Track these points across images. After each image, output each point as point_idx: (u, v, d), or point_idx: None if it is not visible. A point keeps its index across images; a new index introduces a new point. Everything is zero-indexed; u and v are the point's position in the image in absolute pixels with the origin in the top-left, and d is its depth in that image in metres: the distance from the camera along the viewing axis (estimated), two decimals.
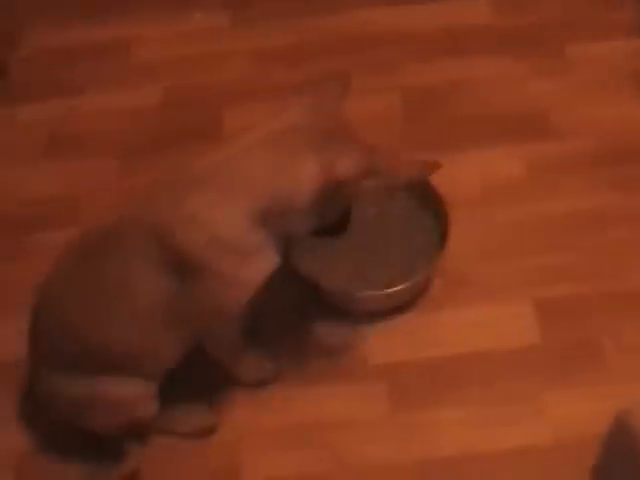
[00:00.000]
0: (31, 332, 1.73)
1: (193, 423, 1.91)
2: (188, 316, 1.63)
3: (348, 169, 1.50)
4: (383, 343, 2.03)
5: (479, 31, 2.69)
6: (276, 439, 1.91)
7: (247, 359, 1.94)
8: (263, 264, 1.61)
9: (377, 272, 2.08)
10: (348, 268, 2.10)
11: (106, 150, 2.49)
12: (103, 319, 1.63)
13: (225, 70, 2.66)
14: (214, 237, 1.53)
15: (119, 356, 1.67)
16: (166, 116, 2.55)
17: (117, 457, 1.87)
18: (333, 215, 1.64)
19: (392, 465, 1.85)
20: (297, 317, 2.09)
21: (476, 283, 2.11)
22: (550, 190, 2.29)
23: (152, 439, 1.91)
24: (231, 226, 1.53)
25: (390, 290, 1.97)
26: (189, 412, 1.92)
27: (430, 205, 2.16)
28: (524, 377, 1.95)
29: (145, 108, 2.59)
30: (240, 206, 1.52)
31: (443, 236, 2.06)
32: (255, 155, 1.54)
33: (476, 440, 1.87)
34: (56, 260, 1.68)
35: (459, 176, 2.32)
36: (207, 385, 1.97)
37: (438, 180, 2.13)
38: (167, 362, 1.76)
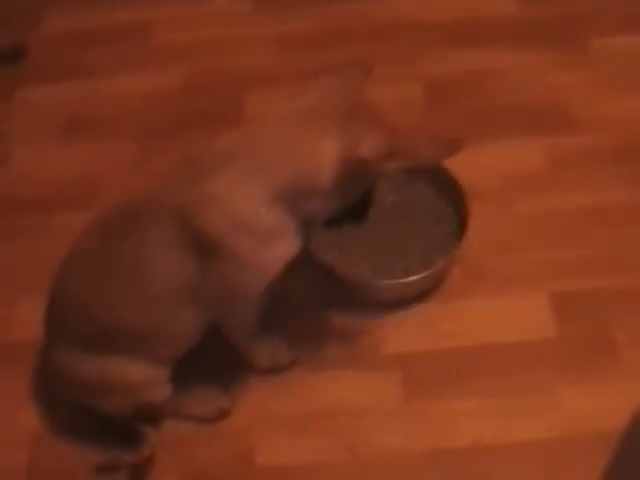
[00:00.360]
0: (48, 311, 1.74)
1: (207, 407, 1.92)
2: (205, 298, 1.63)
3: (371, 149, 1.49)
4: (399, 332, 2.03)
5: (503, 22, 2.68)
6: (290, 426, 1.91)
7: (262, 345, 1.94)
8: (283, 249, 1.61)
9: (395, 261, 2.08)
10: (366, 256, 2.10)
11: (125, 133, 2.49)
12: (119, 300, 1.63)
13: (246, 55, 2.65)
14: (234, 218, 1.52)
15: (133, 338, 1.67)
16: (186, 100, 2.55)
17: (131, 440, 1.87)
18: (355, 198, 1.62)
19: (404, 454, 1.85)
20: (314, 304, 2.09)
21: (493, 274, 2.11)
22: (569, 183, 2.28)
23: (166, 423, 1.92)
24: (252, 207, 1.53)
25: (407, 279, 1.97)
26: (203, 396, 1.93)
27: (449, 195, 2.15)
28: (538, 370, 1.95)
29: (165, 91, 2.59)
30: (261, 186, 1.52)
31: (462, 227, 2.06)
32: (276, 135, 1.53)
33: (488, 432, 1.87)
34: (74, 240, 1.69)
35: (479, 167, 2.30)
36: (222, 370, 1.98)
37: (458, 170, 2.14)
38: (182, 346, 1.76)
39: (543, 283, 2.09)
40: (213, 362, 1.97)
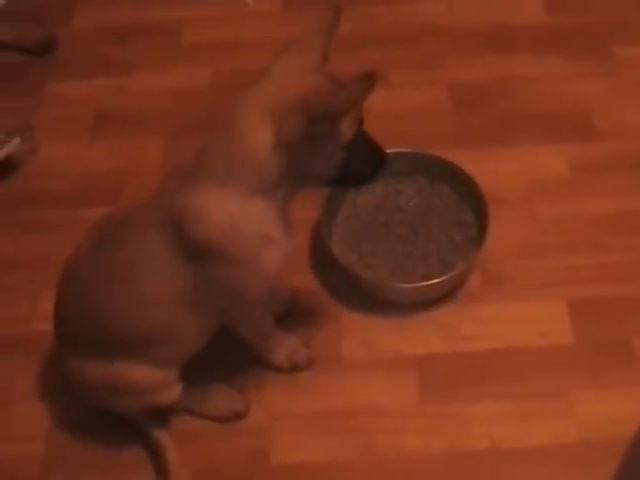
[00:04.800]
0: (54, 317, 1.75)
1: (222, 408, 1.93)
2: (209, 303, 1.64)
3: (287, 107, 1.44)
4: (417, 334, 2.04)
5: (530, 29, 2.69)
6: (306, 425, 1.93)
7: (280, 345, 1.96)
8: (277, 243, 1.60)
9: (415, 264, 2.10)
10: (385, 259, 2.12)
11: (153, 130, 2.52)
12: (117, 307, 1.63)
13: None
14: (223, 223, 1.52)
15: (137, 343, 1.67)
16: (214, 99, 2.57)
17: (145, 434, 1.91)
18: (331, 157, 1.54)
19: (419, 456, 1.87)
20: (333, 304, 2.11)
21: (513, 280, 2.12)
22: (591, 190, 2.29)
23: (181, 417, 1.95)
24: (235, 208, 1.52)
25: (426, 283, 1.98)
26: (219, 397, 1.94)
27: (471, 200, 2.17)
28: (554, 375, 1.96)
29: (193, 90, 2.62)
30: (234, 186, 1.50)
31: (482, 232, 2.07)
32: (223, 131, 1.51)
33: (503, 436, 1.88)
34: (79, 241, 1.70)
35: (502, 172, 2.32)
36: (239, 369, 2.00)
37: (481, 175, 2.15)
38: (188, 349, 1.76)
39: (562, 289, 2.10)
40: (230, 361, 2.00)
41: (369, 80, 1.42)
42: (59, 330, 1.77)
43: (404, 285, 2.03)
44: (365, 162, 1.62)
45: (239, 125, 1.47)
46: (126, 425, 1.91)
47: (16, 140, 2.39)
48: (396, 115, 2.49)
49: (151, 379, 1.75)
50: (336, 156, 1.53)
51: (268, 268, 1.62)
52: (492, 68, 2.59)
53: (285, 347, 1.98)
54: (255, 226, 1.55)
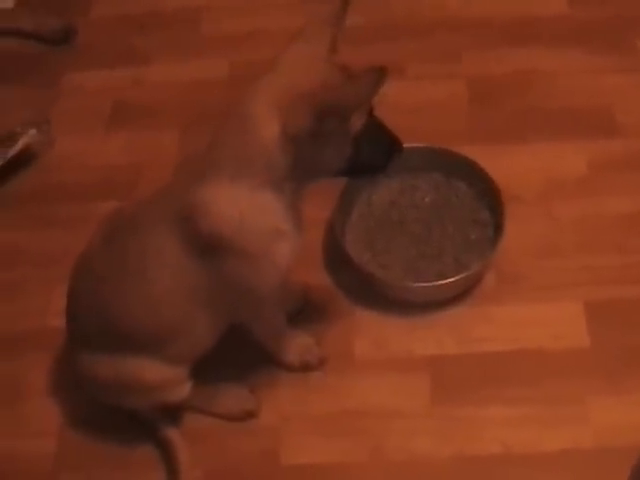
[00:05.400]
0: (66, 313, 1.75)
1: (233, 407, 1.93)
2: (220, 302, 1.63)
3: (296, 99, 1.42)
4: (429, 334, 2.02)
5: (552, 22, 2.64)
6: (317, 425, 1.92)
7: (292, 343, 1.95)
8: (288, 237, 1.59)
9: (429, 263, 2.08)
10: (399, 258, 2.10)
11: (170, 122, 2.51)
12: (127, 302, 1.62)
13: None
14: (233, 218, 1.50)
15: (146, 339, 1.66)
16: (231, 91, 2.54)
17: (156, 433, 1.91)
18: (341, 150, 1.52)
19: (430, 460, 1.85)
20: (346, 303, 2.10)
21: (529, 280, 2.09)
22: (612, 189, 2.25)
23: (192, 416, 1.94)
24: (245, 202, 1.50)
25: (440, 282, 1.96)
26: (230, 396, 1.94)
27: (487, 198, 2.14)
28: (570, 379, 1.93)
29: (211, 81, 2.60)
30: (245, 179, 1.48)
31: (498, 231, 2.05)
32: (227, 128, 1.50)
33: (515, 440, 1.86)
34: (91, 236, 1.69)
35: (519, 170, 2.29)
36: (250, 367, 1.99)
37: (498, 172, 2.12)
38: (198, 347, 1.75)
39: (579, 290, 2.07)
40: (242, 360, 1.99)
41: (380, 75, 1.39)
42: (70, 325, 1.77)
43: (418, 284, 2.01)
44: (377, 151, 1.59)
45: (248, 118, 1.46)
46: (137, 423, 1.91)
47: (32, 132, 2.38)
48: (412, 109, 2.46)
49: (161, 377, 1.75)
50: (345, 149, 1.51)
51: (279, 263, 1.61)
52: (511, 61, 2.55)
53: (296, 346, 1.97)
54: (265, 220, 1.54)
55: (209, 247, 1.53)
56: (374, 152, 1.57)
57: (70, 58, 2.71)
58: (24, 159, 2.43)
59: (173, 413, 1.92)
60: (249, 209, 1.51)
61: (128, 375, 1.72)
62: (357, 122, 1.49)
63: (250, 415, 1.93)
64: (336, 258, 2.13)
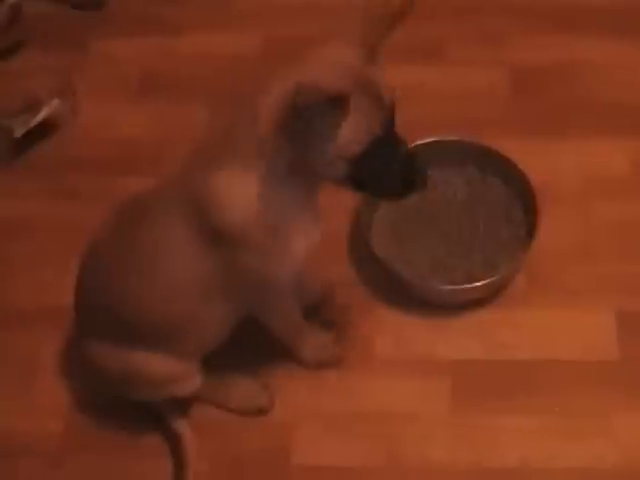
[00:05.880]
0: (75, 300, 1.71)
1: (245, 402, 1.88)
2: (234, 293, 1.58)
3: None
4: (453, 337, 1.95)
5: (602, 10, 2.52)
6: (330, 425, 1.86)
7: (309, 339, 1.89)
8: (299, 235, 1.52)
9: (457, 262, 2.00)
10: (426, 254, 2.02)
11: (196, 96, 2.43)
12: (137, 291, 1.57)
13: (329, 24, 2.55)
14: (245, 208, 1.44)
15: (157, 331, 1.62)
16: (263, 67, 2.47)
17: (165, 423, 1.86)
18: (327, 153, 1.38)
19: (445, 469, 1.79)
20: (369, 299, 2.02)
21: (560, 284, 2.01)
22: None
23: (203, 408, 1.89)
24: (256, 192, 1.43)
25: (468, 286, 1.89)
26: (242, 389, 1.89)
27: (522, 196, 2.05)
28: (596, 393, 1.86)
29: (243, 56, 2.52)
30: (253, 169, 1.42)
31: (531, 232, 1.96)
32: (240, 115, 1.43)
33: (535, 454, 1.79)
34: (103, 222, 1.64)
35: (557, 166, 2.20)
36: (265, 362, 1.94)
37: (535, 168, 2.04)
38: (209, 340, 1.71)
39: (612, 298, 1.98)
40: (257, 354, 1.94)
41: (297, 95, 1.25)
42: (79, 313, 1.73)
43: (444, 287, 1.92)
44: (390, 181, 1.45)
45: (254, 109, 1.39)
46: (146, 411, 1.87)
47: (56, 102, 2.32)
48: (450, 96, 2.37)
49: (171, 370, 1.70)
50: (337, 165, 1.38)
51: (290, 256, 1.54)
52: (557, 50, 2.44)
53: (313, 343, 1.90)
54: (277, 212, 1.47)
55: (220, 238, 1.47)
56: (384, 180, 1.45)
57: (100, 25, 2.64)
58: (46, 129, 2.36)
59: (183, 404, 1.87)
60: (260, 200, 1.44)
61: (136, 367, 1.67)
62: (352, 144, 1.34)
63: (262, 411, 1.88)
64: (361, 250, 2.06)
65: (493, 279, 1.89)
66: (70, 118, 2.39)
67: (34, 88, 2.37)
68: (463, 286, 1.90)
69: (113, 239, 1.59)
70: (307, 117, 1.29)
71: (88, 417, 1.92)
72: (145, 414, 1.87)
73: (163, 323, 1.61)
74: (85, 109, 2.42)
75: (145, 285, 1.57)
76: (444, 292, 1.92)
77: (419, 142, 2.08)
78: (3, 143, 2.29)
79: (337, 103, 1.29)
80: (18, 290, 2.12)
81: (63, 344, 2.01)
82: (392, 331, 1.97)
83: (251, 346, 1.91)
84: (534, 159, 2.10)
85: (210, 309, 1.61)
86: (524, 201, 2.04)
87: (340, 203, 2.05)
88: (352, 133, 1.34)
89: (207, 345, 1.73)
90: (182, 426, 1.84)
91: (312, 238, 1.57)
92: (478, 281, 1.90)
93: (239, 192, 1.43)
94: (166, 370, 1.69)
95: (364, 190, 1.46)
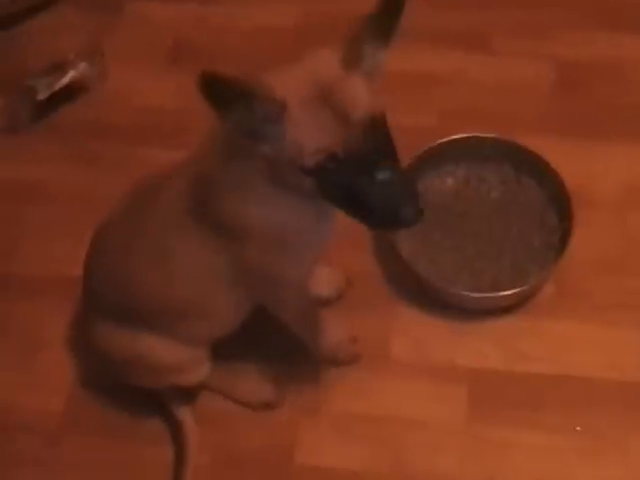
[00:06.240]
0: (84, 278, 1.66)
1: (252, 395, 1.83)
2: (239, 281, 1.51)
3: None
4: (475, 343, 1.87)
5: None
6: (337, 426, 1.79)
7: (325, 334, 1.82)
8: (305, 234, 1.45)
9: (485, 265, 1.92)
10: (455, 254, 1.94)
11: (227, 69, 2.33)
12: (143, 274, 1.53)
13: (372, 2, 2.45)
14: (250, 203, 1.38)
15: (161, 314, 1.57)
16: (299, 41, 2.36)
17: (168, 410, 1.81)
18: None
19: None
20: (389, 296, 1.95)
21: (590, 297, 1.91)
22: None
23: (209, 398, 1.84)
24: (261, 187, 1.36)
25: (494, 295, 1.82)
26: (251, 383, 1.84)
27: (557, 200, 1.96)
28: (616, 414, 1.77)
29: (278, 29, 2.43)
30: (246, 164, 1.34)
31: (564, 240, 1.87)
32: None
33: (548, 473, 1.72)
34: (116, 201, 1.59)
35: (596, 171, 2.09)
36: (277, 355, 1.87)
37: (573, 171, 1.95)
38: (218, 328, 1.65)
39: None
40: (269, 347, 1.87)
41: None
42: (86, 292, 1.68)
43: (470, 294, 1.84)
44: (371, 208, 1.27)
45: None
46: (150, 396, 1.80)
47: (83, 65, 2.25)
48: (492, 88, 2.27)
49: (177, 356, 1.65)
50: (301, 178, 1.27)
51: (296, 254, 1.48)
52: (606, 48, 2.32)
53: (330, 338, 1.83)
54: (280, 210, 1.39)
55: (223, 230, 1.42)
56: (363, 206, 1.28)
57: None
58: (72, 92, 2.29)
59: (188, 393, 1.81)
60: (265, 196, 1.37)
61: (141, 351, 1.62)
62: (309, 156, 1.22)
63: (268, 406, 1.82)
64: (385, 245, 1.97)
65: (521, 289, 1.81)
66: (96, 83, 2.31)
67: (63, 48, 2.31)
68: (489, 294, 1.82)
69: (124, 220, 1.55)
70: (243, 120, 1.20)
71: (90, 398, 1.87)
72: (149, 400, 1.81)
73: (169, 308, 1.56)
74: (113, 74, 2.34)
75: (152, 269, 1.52)
76: (468, 298, 1.84)
77: (455, 137, 2.00)
78: (25, 105, 2.23)
79: (272, 110, 1.19)
80: (27, 258, 2.07)
81: (70, 319, 1.96)
82: (411, 332, 1.89)
83: (264, 338, 1.84)
84: (571, 160, 2.00)
85: (219, 298, 1.56)
86: (559, 206, 1.95)
87: None
88: (296, 145, 1.22)
89: (215, 333, 1.67)
90: (185, 415, 1.79)
91: (322, 236, 1.49)
92: (504, 287, 1.83)
93: (240, 186, 1.37)
94: (171, 356, 1.64)
95: (348, 213, 1.33)
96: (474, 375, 1.83)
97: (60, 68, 2.23)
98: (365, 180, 1.24)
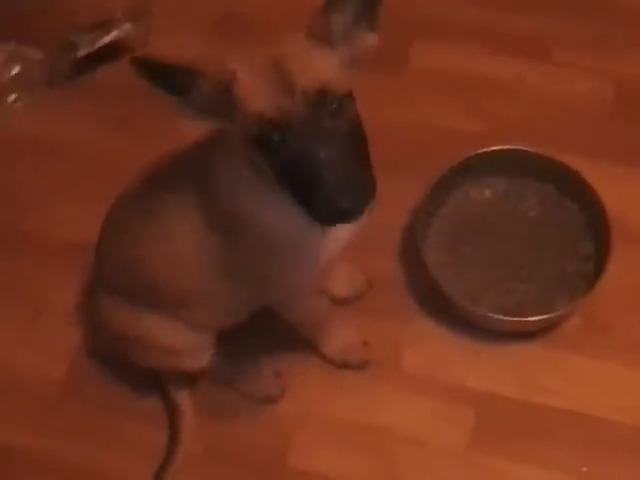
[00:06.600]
0: (96, 249, 1.63)
1: (255, 387, 1.79)
2: (240, 275, 1.47)
3: None
4: (490, 367, 1.80)
5: None
6: (336, 432, 1.75)
7: (337, 335, 1.78)
8: (306, 237, 1.38)
9: (512, 285, 1.84)
10: (482, 269, 1.87)
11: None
12: (150, 251, 1.49)
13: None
14: (250, 201, 1.34)
15: (164, 294, 1.52)
16: None
17: (167, 393, 1.78)
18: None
19: None
20: (408, 304, 1.88)
21: (617, 334, 1.82)
22: None
23: (209, 388, 1.80)
24: (257, 185, 1.32)
25: (517, 319, 1.75)
26: (255, 375, 1.80)
27: (595, 227, 1.87)
28: (628, 460, 1.70)
29: None
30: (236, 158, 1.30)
31: (598, 270, 1.78)
32: None
33: None
34: (130, 180, 1.55)
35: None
36: (284, 350, 1.82)
37: (615, 199, 1.85)
38: (221, 318, 1.62)
39: None
40: (277, 341, 1.82)
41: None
42: (97, 263, 1.65)
43: (493, 315, 1.75)
44: (314, 194, 1.18)
45: None
46: (152, 376, 1.77)
47: (128, 26, 2.19)
48: (545, 99, 2.17)
49: (178, 340, 1.62)
50: (250, 150, 1.22)
51: (287, 256, 1.42)
52: None
53: (340, 340, 1.79)
54: (266, 207, 1.35)
55: (227, 224, 1.39)
56: (309, 192, 1.19)
57: None
58: (112, 51, 2.24)
59: (190, 378, 1.77)
60: (253, 193, 1.34)
61: (143, 330, 1.59)
62: (252, 126, 1.18)
63: (270, 400, 1.79)
64: (412, 251, 1.89)
65: (547, 317, 1.73)
66: (139, 45, 2.25)
67: (110, 6, 2.25)
68: (513, 318, 1.74)
69: (137, 196, 1.51)
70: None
71: (92, 369, 1.85)
72: (150, 379, 1.78)
73: (170, 292, 1.52)
74: (156, 39, 2.29)
75: (157, 249, 1.48)
76: (491, 319, 1.76)
77: (500, 147, 1.92)
78: (64, 60, 2.19)
79: (219, 82, 1.18)
80: (44, 217, 2.05)
81: (80, 286, 1.92)
82: (426, 345, 1.83)
83: (272, 331, 1.78)
84: (616, 187, 1.90)
85: (221, 287, 1.51)
86: (596, 233, 1.87)
87: (403, 194, 1.92)
88: (243, 111, 1.18)
89: (218, 322, 1.64)
90: (183, 400, 1.77)
91: (316, 241, 1.41)
92: (529, 311, 1.77)
93: (233, 181, 1.34)
94: (172, 339, 1.60)
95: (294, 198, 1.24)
96: (484, 399, 1.76)
97: (104, 26, 2.18)
98: (306, 158, 1.16)
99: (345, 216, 1.18)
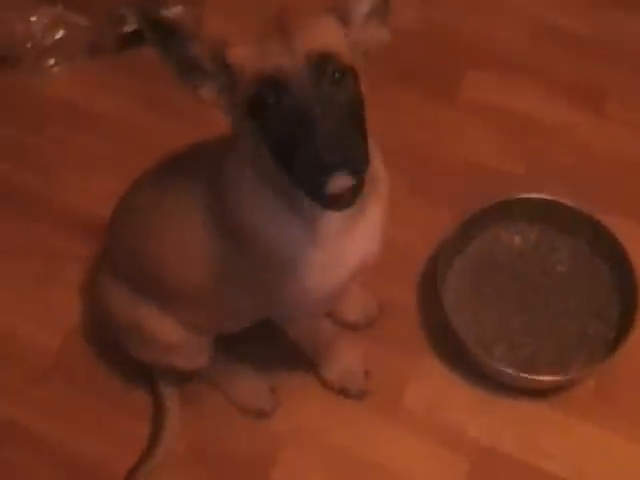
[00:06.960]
0: (109, 224, 1.60)
1: (248, 399, 1.75)
2: (241, 284, 1.42)
3: None
4: (493, 420, 1.73)
5: None
6: (324, 459, 1.69)
7: (338, 361, 1.73)
8: (305, 255, 1.33)
9: (527, 340, 1.78)
10: (499, 318, 1.81)
11: None
12: (154, 244, 1.46)
13: (496, 26, 2.30)
14: (252, 207, 1.30)
15: (165, 286, 1.49)
16: (407, 52, 2.20)
17: (156, 389, 1.73)
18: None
19: None
20: (419, 338, 1.82)
21: (629, 407, 1.75)
22: None
23: (199, 392, 1.76)
24: (257, 192, 1.28)
25: (528, 376, 1.68)
26: (249, 387, 1.76)
27: (623, 293, 1.80)
28: None
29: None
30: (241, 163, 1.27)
31: (619, 337, 1.72)
32: None
33: None
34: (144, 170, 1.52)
35: None
36: (284, 366, 1.78)
37: None
38: (220, 322, 1.60)
39: None
40: (277, 357, 1.77)
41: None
42: (107, 244, 1.64)
43: (504, 369, 1.69)
44: (302, 166, 1.10)
45: None
46: (143, 370, 1.72)
47: (178, 8, 2.13)
48: (592, 152, 2.10)
49: (174, 337, 1.57)
50: (235, 117, 1.20)
51: (284, 268, 1.35)
52: None
53: (342, 366, 1.74)
54: (264, 215, 1.30)
55: (231, 229, 1.35)
56: (298, 162, 1.11)
57: None
58: None
59: (182, 376, 1.72)
60: (253, 200, 1.30)
61: (140, 321, 1.55)
62: (249, 86, 1.13)
63: (261, 414, 1.74)
64: (431, 284, 1.83)
65: (559, 378, 1.68)
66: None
67: None
68: (525, 375, 1.67)
69: (153, 184, 1.48)
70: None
71: (85, 350, 1.82)
72: (142, 371, 1.73)
73: (177, 284, 1.47)
74: (206, 25, 2.21)
75: (166, 238, 1.45)
76: (501, 372, 1.69)
77: (537, 196, 1.87)
78: (111, 32, 2.15)
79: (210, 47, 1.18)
80: (68, 187, 2.02)
81: (90, 262, 1.87)
82: (430, 385, 1.77)
83: (273, 345, 1.73)
84: None
85: (225, 291, 1.46)
86: (624, 299, 1.80)
87: (431, 223, 1.89)
88: (238, 70, 1.15)
89: (218, 326, 1.62)
90: (170, 397, 1.73)
91: (314, 256, 1.33)
92: (541, 368, 1.72)
93: (247, 187, 1.29)
94: (169, 335, 1.56)
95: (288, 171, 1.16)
96: (482, 452, 1.70)
97: (154, 4, 2.11)
98: (299, 115, 1.08)
99: (332, 169, 1.07)
